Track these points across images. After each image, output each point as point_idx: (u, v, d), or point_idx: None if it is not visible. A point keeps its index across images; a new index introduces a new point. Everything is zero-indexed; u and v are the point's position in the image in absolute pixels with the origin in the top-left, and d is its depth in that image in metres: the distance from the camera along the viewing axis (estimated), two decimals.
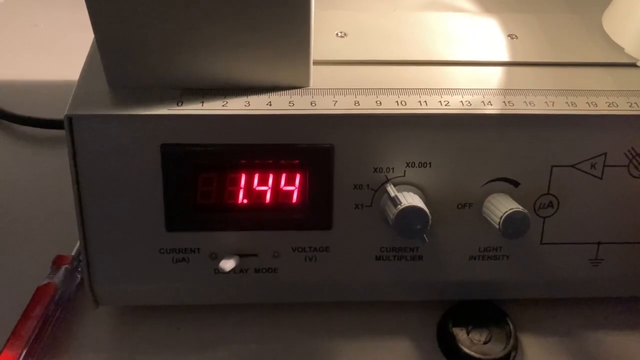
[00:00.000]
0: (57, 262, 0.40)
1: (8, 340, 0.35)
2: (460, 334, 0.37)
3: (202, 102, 0.33)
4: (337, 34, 0.39)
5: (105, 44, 0.33)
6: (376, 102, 0.34)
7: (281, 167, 0.34)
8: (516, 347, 0.37)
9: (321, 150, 0.34)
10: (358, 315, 0.39)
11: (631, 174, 0.35)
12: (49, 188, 0.46)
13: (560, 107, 0.34)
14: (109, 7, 0.31)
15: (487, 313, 0.38)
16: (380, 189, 0.35)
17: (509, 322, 0.38)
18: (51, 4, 0.67)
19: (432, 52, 0.38)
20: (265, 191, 0.35)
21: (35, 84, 0.56)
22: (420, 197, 0.34)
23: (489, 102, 0.34)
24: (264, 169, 0.34)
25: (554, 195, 0.36)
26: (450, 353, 0.37)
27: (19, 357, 0.34)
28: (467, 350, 0.36)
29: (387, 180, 0.35)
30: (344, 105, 0.34)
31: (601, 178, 0.35)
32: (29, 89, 0.56)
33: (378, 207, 0.35)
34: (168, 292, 0.37)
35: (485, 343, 0.37)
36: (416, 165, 0.35)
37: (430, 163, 0.35)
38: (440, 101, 0.34)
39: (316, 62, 0.35)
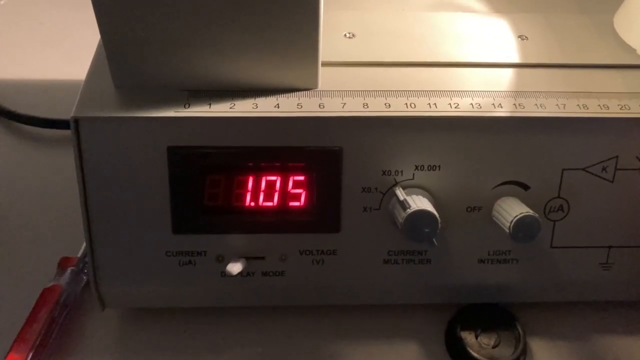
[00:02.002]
0: (63, 264, 0.39)
1: (14, 342, 0.35)
2: (469, 337, 0.37)
3: (210, 104, 0.33)
4: (345, 35, 0.38)
5: (112, 45, 0.32)
6: (385, 104, 0.34)
7: (289, 169, 0.34)
8: (525, 351, 0.37)
9: (329, 152, 0.34)
10: (366, 318, 0.38)
11: None
12: (54, 189, 0.46)
13: (571, 109, 0.34)
14: (115, 9, 0.31)
15: (496, 317, 0.38)
16: (389, 192, 0.34)
17: (518, 326, 0.37)
18: (56, 2, 0.66)
19: (441, 53, 0.37)
20: (273, 194, 0.34)
21: (40, 83, 0.56)
22: (429, 200, 0.34)
23: (499, 104, 0.34)
24: (271, 172, 0.34)
25: (564, 199, 0.35)
26: (459, 357, 0.36)
27: None
28: (475, 355, 0.36)
29: (396, 184, 0.34)
30: (352, 108, 0.33)
31: (612, 181, 0.35)
32: (33, 87, 0.55)
33: (386, 211, 0.35)
34: (174, 294, 0.37)
35: (494, 347, 0.36)
36: (425, 168, 0.34)
37: (439, 166, 0.34)
38: (449, 103, 0.34)
39: (324, 64, 0.35)
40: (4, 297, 0.39)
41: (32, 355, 0.35)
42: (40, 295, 0.37)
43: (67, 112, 0.32)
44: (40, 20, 0.64)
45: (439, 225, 0.32)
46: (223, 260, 0.35)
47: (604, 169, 0.35)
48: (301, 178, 0.34)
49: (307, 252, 0.36)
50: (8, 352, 0.34)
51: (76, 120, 0.32)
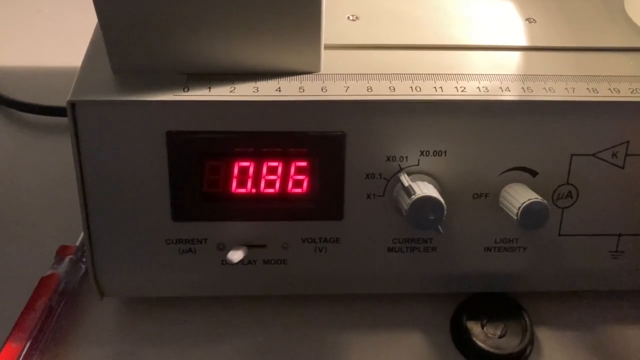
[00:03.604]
0: (61, 252, 0.39)
1: (11, 332, 0.34)
2: (475, 327, 0.36)
3: (209, 88, 0.32)
4: (348, 17, 0.38)
5: (109, 28, 0.32)
6: (389, 87, 0.33)
7: (291, 155, 0.33)
8: (532, 341, 0.36)
9: (332, 138, 0.33)
10: (369, 308, 0.38)
11: None
12: (52, 177, 0.45)
13: (580, 93, 0.33)
14: None
15: (503, 306, 0.37)
16: (394, 179, 0.34)
17: (525, 315, 0.37)
18: None
19: (447, 36, 0.37)
20: (275, 180, 0.34)
21: (39, 70, 0.55)
22: (435, 186, 0.33)
23: (507, 88, 0.33)
24: (273, 157, 0.33)
25: (573, 185, 0.35)
26: (464, 347, 0.36)
27: (23, 349, 0.34)
28: (481, 345, 0.35)
29: (401, 170, 0.34)
30: (356, 91, 0.33)
31: (623, 167, 0.34)
32: (32, 75, 0.55)
33: (391, 197, 0.34)
34: (174, 283, 0.36)
35: (500, 337, 0.36)
36: (431, 153, 0.34)
37: (445, 151, 0.34)
38: (456, 87, 0.33)
39: (327, 47, 0.34)
40: (1, 285, 0.39)
41: (30, 344, 0.34)
42: (38, 284, 0.37)
43: (65, 99, 0.32)
44: (39, 7, 0.64)
45: (445, 212, 0.32)
46: (224, 248, 0.35)
47: (614, 154, 0.34)
48: (303, 164, 0.33)
49: (310, 240, 0.35)
50: (6, 341, 0.34)
51: (73, 105, 0.32)
